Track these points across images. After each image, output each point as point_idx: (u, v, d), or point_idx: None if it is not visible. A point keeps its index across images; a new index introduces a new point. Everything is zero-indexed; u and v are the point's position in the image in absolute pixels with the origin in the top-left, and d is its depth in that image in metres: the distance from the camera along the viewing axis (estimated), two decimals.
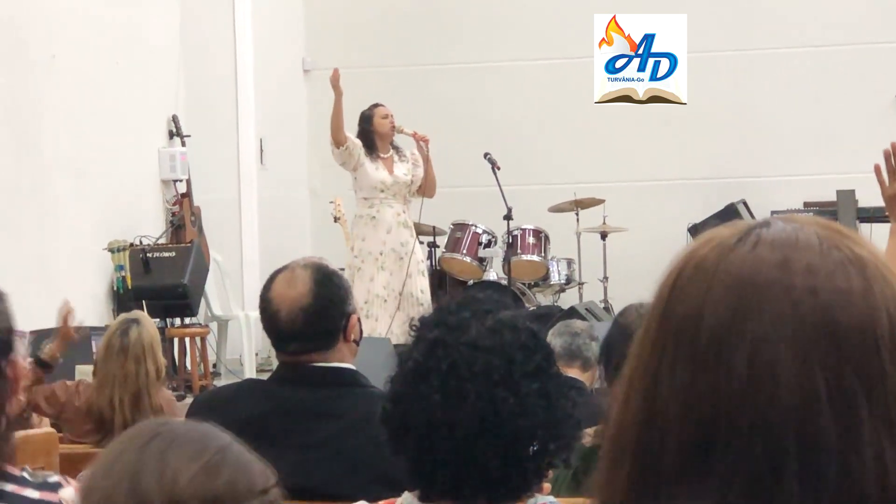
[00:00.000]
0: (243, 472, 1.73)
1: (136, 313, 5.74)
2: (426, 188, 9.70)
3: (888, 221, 3.37)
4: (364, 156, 9.52)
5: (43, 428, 5.36)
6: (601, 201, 11.61)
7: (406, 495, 2.33)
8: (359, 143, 9.52)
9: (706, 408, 1.14)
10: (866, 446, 1.11)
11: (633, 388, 1.19)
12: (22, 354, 2.59)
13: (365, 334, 9.83)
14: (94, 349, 6.73)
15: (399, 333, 9.25)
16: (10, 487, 2.46)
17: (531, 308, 10.61)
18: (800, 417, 1.12)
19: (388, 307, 9.56)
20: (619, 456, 1.18)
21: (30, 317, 8.48)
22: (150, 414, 5.22)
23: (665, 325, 1.18)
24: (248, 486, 1.72)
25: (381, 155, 9.59)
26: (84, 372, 6.36)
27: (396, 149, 9.70)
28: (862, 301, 1.14)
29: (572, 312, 9.55)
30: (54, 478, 2.54)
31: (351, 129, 9.56)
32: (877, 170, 3.38)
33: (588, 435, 3.46)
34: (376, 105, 9.72)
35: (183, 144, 11.10)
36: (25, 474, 2.50)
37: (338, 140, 9.43)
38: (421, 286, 9.69)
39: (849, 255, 1.17)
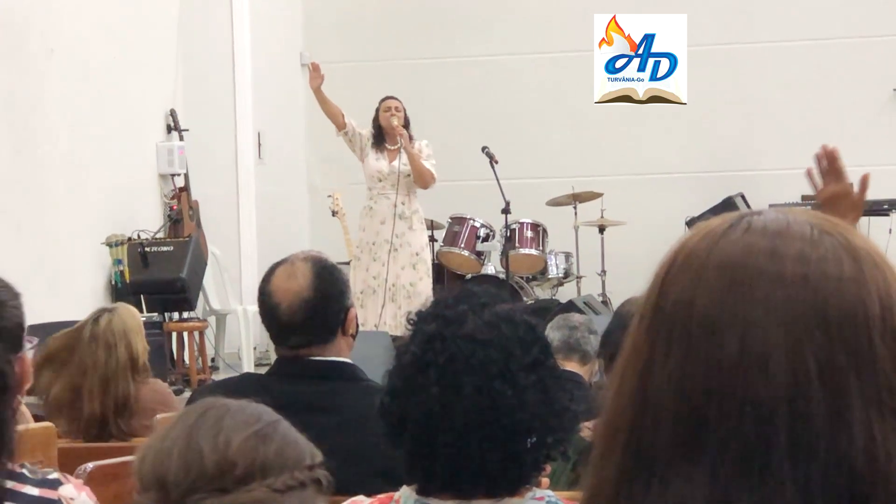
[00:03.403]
0: (292, 445, 1.83)
1: (115, 304, 5.65)
2: (415, 179, 9.71)
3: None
4: (370, 147, 9.71)
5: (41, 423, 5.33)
6: (599, 195, 11.60)
7: (404, 489, 2.33)
8: (364, 133, 9.77)
9: (698, 387, 1.15)
10: (856, 424, 1.13)
11: (627, 374, 1.20)
12: (29, 353, 2.59)
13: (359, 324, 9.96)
14: None
15: (392, 325, 9.32)
16: (10, 484, 2.46)
17: (529, 302, 10.61)
18: (790, 395, 1.13)
19: (378, 298, 9.60)
20: (613, 442, 1.19)
21: (28, 311, 8.49)
22: (119, 401, 5.12)
23: (658, 312, 1.19)
24: (296, 459, 1.82)
25: (389, 146, 9.77)
26: None
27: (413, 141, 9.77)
28: (853, 287, 1.15)
29: (570, 306, 9.55)
30: (54, 475, 2.53)
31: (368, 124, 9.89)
32: (809, 173, 3.27)
33: (587, 428, 3.46)
34: (385, 98, 9.90)
35: (181, 139, 11.09)
36: (25, 471, 2.50)
37: (336, 125, 9.78)
38: (412, 279, 9.68)
39: (841, 240, 1.18)
